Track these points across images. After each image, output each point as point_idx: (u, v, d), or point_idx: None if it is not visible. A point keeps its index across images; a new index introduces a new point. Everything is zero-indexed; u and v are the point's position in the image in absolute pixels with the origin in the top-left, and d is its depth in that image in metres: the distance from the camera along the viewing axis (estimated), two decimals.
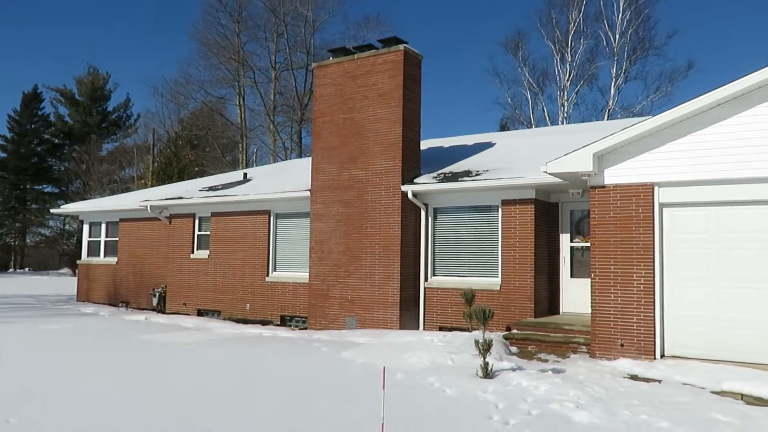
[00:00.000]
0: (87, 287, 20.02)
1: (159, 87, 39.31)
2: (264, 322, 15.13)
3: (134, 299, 18.66)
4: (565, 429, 5.62)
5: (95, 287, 19.81)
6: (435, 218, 13.35)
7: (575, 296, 12.50)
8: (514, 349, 10.34)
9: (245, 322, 15.33)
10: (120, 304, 18.73)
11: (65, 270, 48.85)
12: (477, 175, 12.70)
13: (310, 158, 14.83)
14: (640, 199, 9.82)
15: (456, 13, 68.05)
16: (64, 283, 33.04)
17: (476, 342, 7.87)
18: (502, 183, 12.03)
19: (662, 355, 9.48)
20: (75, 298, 20.86)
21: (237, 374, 7.88)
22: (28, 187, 55.89)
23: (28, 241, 56.59)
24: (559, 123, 34.77)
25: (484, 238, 12.73)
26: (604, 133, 15.03)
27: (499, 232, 12.43)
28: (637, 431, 5.57)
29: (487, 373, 7.56)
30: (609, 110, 34.58)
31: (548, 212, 12.62)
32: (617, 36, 34.14)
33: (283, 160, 37.05)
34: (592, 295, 10.11)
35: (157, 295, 17.56)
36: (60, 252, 52.76)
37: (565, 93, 34.57)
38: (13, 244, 56.27)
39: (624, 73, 34.53)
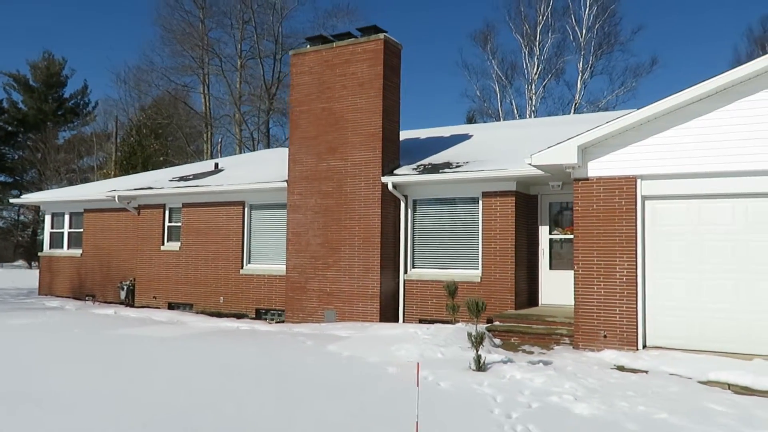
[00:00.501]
0: (50, 280, 19.32)
1: (122, 73, 38.07)
2: (239, 316, 14.84)
3: (100, 293, 18.10)
4: (568, 421, 5.61)
5: (59, 280, 19.14)
6: (414, 210, 13.27)
7: (554, 288, 12.60)
8: (497, 341, 10.34)
9: (219, 315, 15.01)
10: (87, 298, 18.13)
11: (20, 262, 47.27)
12: (458, 166, 12.65)
13: (285, 149, 14.59)
14: (623, 191, 9.92)
15: (426, 4, 67.96)
16: (21, 275, 31.94)
17: (469, 335, 7.82)
18: (483, 175, 12.01)
19: (644, 346, 9.62)
20: (36, 291, 20.12)
21: (222, 370, 7.66)
22: None
23: None
24: (527, 116, 35.09)
25: (465, 230, 12.71)
26: (578, 127, 15.21)
27: (480, 224, 12.42)
28: (639, 422, 5.59)
29: (480, 366, 7.52)
30: (575, 104, 35.08)
31: (528, 204, 12.67)
32: (584, 31, 34.60)
33: (250, 151, 36.45)
34: (575, 287, 10.19)
35: (125, 288, 17.06)
36: (14, 244, 50.91)
37: (533, 86, 34.89)
38: None
39: (590, 68, 35.06)
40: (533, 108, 34.96)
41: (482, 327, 11.20)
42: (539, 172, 11.25)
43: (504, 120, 35.49)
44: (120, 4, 74.42)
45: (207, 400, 6.16)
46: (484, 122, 34.34)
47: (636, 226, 9.77)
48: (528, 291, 12.59)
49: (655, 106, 9.53)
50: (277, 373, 7.48)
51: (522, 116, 35.41)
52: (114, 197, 16.64)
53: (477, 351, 7.60)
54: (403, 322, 12.88)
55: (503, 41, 40.27)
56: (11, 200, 20.42)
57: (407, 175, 12.73)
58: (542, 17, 34.50)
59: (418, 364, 5.66)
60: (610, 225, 9.94)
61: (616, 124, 9.74)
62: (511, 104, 36.47)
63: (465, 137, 15.55)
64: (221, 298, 15.38)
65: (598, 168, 10.09)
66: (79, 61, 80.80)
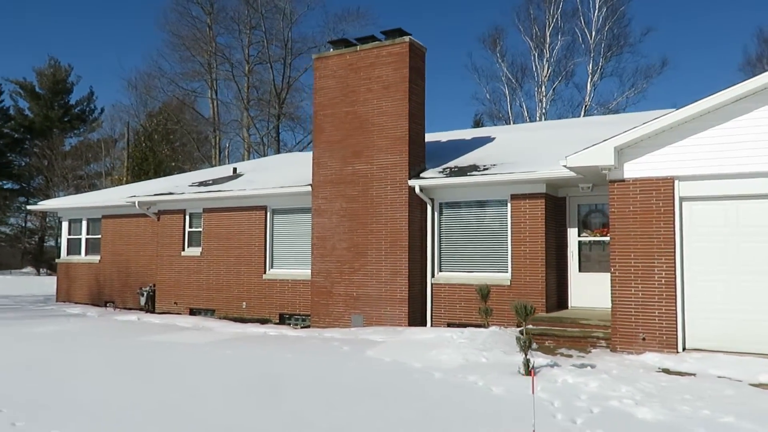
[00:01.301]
0: (67, 287, 19.24)
1: (132, 79, 37.90)
2: (262, 321, 14.74)
3: (120, 299, 18.01)
4: (634, 426, 5.51)
5: (76, 287, 19.05)
6: (441, 213, 13.18)
7: (583, 291, 12.50)
8: (533, 345, 10.22)
9: (242, 321, 14.92)
10: (107, 305, 18.05)
11: (28, 269, 47.19)
12: (485, 169, 12.57)
13: (302, 153, 14.52)
14: (660, 192, 9.83)
15: (435, 8, 67.84)
16: (32, 282, 31.90)
17: (518, 339, 7.73)
18: (513, 177, 11.92)
19: (684, 348, 9.51)
20: (53, 298, 20.05)
21: (267, 379, 7.55)
22: None
23: None
24: (537, 119, 35.02)
25: (493, 233, 12.62)
26: (598, 129, 15.17)
27: (509, 226, 12.33)
28: (706, 426, 5.49)
29: (529, 371, 7.41)
30: (585, 106, 35.01)
31: (556, 206, 12.58)
32: (593, 33, 34.55)
33: (258, 156, 36.40)
34: (612, 290, 10.09)
35: (145, 294, 16.97)
36: (22, 250, 50.86)
37: (543, 89, 34.83)
38: None
39: (600, 70, 34.99)
40: (543, 110, 34.91)
41: (513, 330, 11.14)
42: (569, 174, 11.18)
43: (514, 122, 35.44)
44: (125, 11, 74.61)
45: (270, 414, 6.01)
46: (495, 125, 34.27)
47: (674, 227, 9.68)
48: (557, 294, 12.49)
49: (693, 107, 9.45)
50: (321, 381, 7.37)
51: (532, 119, 35.36)
52: (134, 203, 16.57)
53: (526, 355, 7.50)
54: (431, 326, 12.78)
55: (512, 44, 40.22)
56: (29, 207, 20.31)
57: (434, 178, 12.64)
58: (552, 19, 34.48)
59: (533, 369, 5.52)
60: (648, 226, 9.85)
61: (653, 125, 9.66)
62: (521, 107, 36.42)
63: (487, 140, 15.47)
64: (244, 303, 15.28)
65: (634, 169, 10.01)
66: (84, 68, 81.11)
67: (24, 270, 46.87)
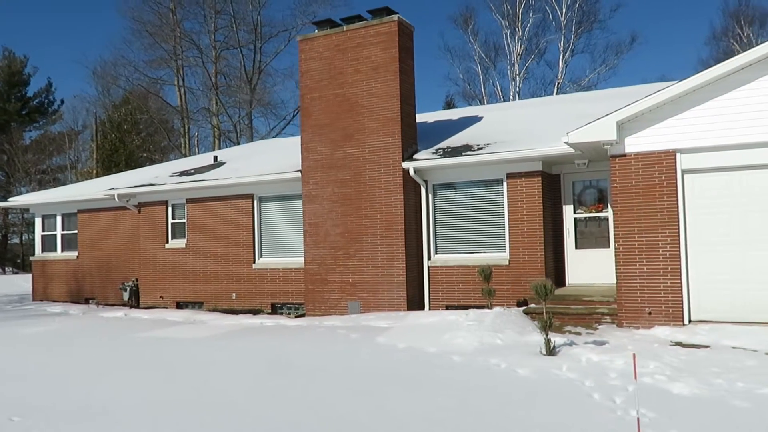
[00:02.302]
0: (44, 285, 18.55)
1: (97, 69, 36.52)
2: (254, 311, 14.42)
3: (101, 295, 17.44)
4: (676, 402, 5.45)
5: (54, 284, 18.39)
6: (435, 195, 13.00)
7: (580, 267, 12.50)
8: (537, 323, 10.16)
9: (233, 312, 14.57)
10: (88, 301, 17.46)
11: None
12: (479, 149, 12.41)
13: (283, 138, 14.15)
14: (663, 166, 9.80)
15: None
16: (1, 281, 30.77)
17: (541, 318, 7.60)
18: (509, 156, 11.78)
19: (690, 321, 9.55)
20: (29, 297, 19.35)
21: (287, 368, 7.30)
22: None
23: None
24: (511, 98, 35.04)
25: (489, 213, 12.50)
26: (585, 104, 15.15)
27: (505, 206, 12.22)
28: (747, 399, 5.45)
29: (550, 351, 7.32)
30: (558, 84, 35.13)
31: (551, 184, 12.51)
32: (564, 10, 34.59)
33: (232, 144, 35.66)
34: (616, 265, 10.07)
35: (128, 289, 16.45)
36: None
37: (516, 67, 34.81)
38: None
39: (571, 47, 35.11)
40: (517, 89, 34.94)
41: (517, 310, 11.07)
42: (565, 150, 11.10)
43: (488, 102, 35.40)
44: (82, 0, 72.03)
45: (304, 406, 5.74)
46: (470, 105, 34.17)
47: (677, 200, 9.67)
48: (555, 271, 12.46)
49: (693, 79, 9.43)
50: (344, 370, 7.14)
51: (506, 98, 35.36)
52: (113, 195, 15.98)
53: (546, 335, 7.40)
54: (429, 309, 12.64)
55: (484, 23, 40.12)
56: None
57: (429, 160, 12.43)
58: None
59: (634, 355, 5.44)
60: (651, 200, 9.82)
61: (654, 99, 9.60)
62: (494, 86, 36.37)
63: (475, 119, 15.31)
64: (233, 294, 14.93)
65: (635, 143, 9.95)
66: (41, 59, 78.14)
67: None
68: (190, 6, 37.76)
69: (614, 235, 10.14)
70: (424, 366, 7.15)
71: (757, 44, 9.36)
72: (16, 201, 19.20)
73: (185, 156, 36.68)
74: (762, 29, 36.61)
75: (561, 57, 35.01)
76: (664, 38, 57.43)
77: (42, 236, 18.80)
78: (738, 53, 9.74)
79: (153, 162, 34.19)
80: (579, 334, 9.45)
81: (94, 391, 6.55)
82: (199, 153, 38.55)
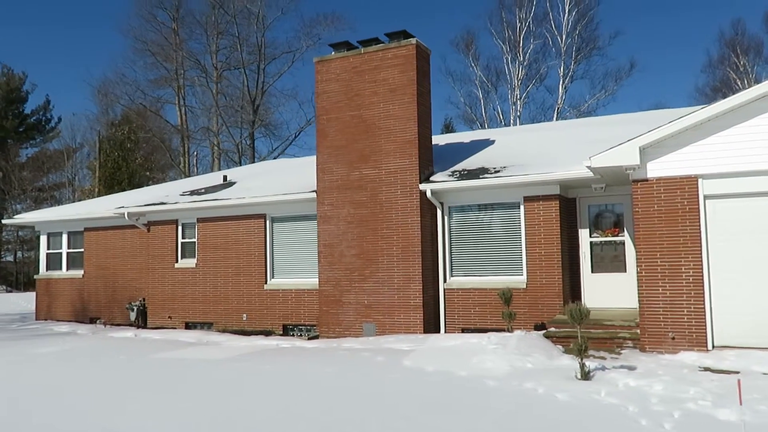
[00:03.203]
0: (48, 304, 18.33)
1: (101, 87, 36.53)
2: (266, 333, 14.28)
3: (107, 315, 17.23)
4: (725, 429, 5.41)
5: (58, 303, 18.17)
6: (451, 217, 13.01)
7: (597, 292, 12.48)
8: (560, 347, 10.13)
9: (244, 333, 14.41)
10: (93, 321, 17.24)
11: None
12: (496, 171, 12.46)
13: (295, 159, 14.15)
14: (685, 191, 9.87)
15: (407, 12, 67.61)
16: None
17: (576, 342, 7.56)
18: (527, 179, 11.83)
19: (713, 346, 9.54)
20: (31, 316, 19.10)
21: (312, 390, 7.21)
22: None
23: None
24: (511, 122, 35.33)
25: (506, 236, 12.51)
26: (596, 129, 15.28)
27: (522, 229, 12.24)
28: None
29: (585, 375, 7.28)
30: (558, 109, 35.46)
31: (567, 208, 12.55)
32: (564, 36, 35.07)
33: (234, 164, 35.63)
34: (639, 289, 10.08)
35: (135, 309, 16.26)
36: None
37: (517, 92, 35.14)
38: None
39: (571, 73, 35.53)
40: (518, 113, 35.23)
41: (538, 334, 11.03)
42: (584, 174, 11.17)
43: (489, 126, 35.65)
44: (82, 18, 72.47)
45: (327, 423, 5.68)
46: (471, 129, 34.38)
47: (700, 225, 9.72)
48: (571, 295, 12.44)
49: (716, 106, 9.55)
50: (378, 394, 7.04)
51: (507, 122, 35.64)
52: (123, 214, 15.89)
53: (581, 359, 7.36)
54: (445, 332, 12.58)
55: (485, 47, 40.70)
56: (4, 221, 19.24)
57: (446, 182, 12.46)
58: (524, 23, 34.84)
59: (738, 381, 5.36)
60: (673, 225, 9.87)
61: (678, 125, 9.69)
62: (495, 110, 36.66)
63: (488, 142, 15.39)
64: (244, 315, 14.80)
65: (657, 168, 10.02)
66: (40, 77, 78.25)
67: None
68: (192, 26, 38.06)
69: (636, 259, 10.16)
70: (458, 390, 7.08)
71: (753, 73, 9.53)
72: (22, 218, 19.05)
73: (185, 175, 36.61)
74: (758, 58, 37.23)
75: (561, 82, 35.43)
76: (661, 66, 58.40)
77: (47, 254, 18.61)
78: (734, 81, 9.89)
79: (155, 181, 34.10)
80: (603, 358, 9.39)
81: (127, 419, 6.43)
82: (198, 172, 38.52)
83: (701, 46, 64.12)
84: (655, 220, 10.00)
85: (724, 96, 37.17)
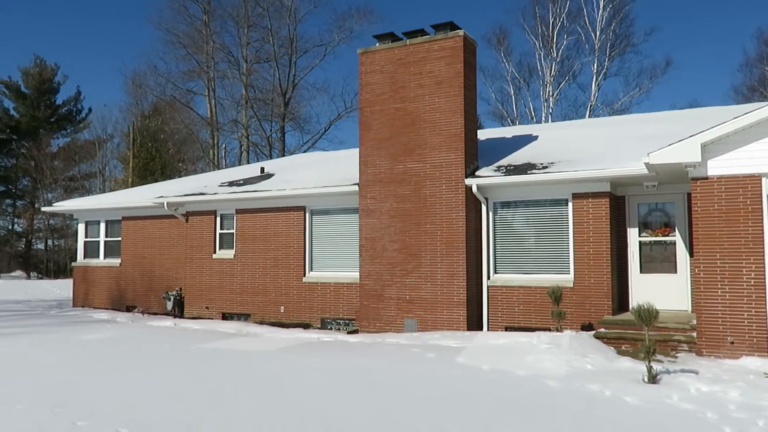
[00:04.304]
0: (85, 291, 18.46)
1: (136, 78, 36.83)
2: (304, 326, 14.19)
3: (143, 303, 17.30)
4: None
5: (95, 291, 18.29)
6: (496, 213, 12.78)
7: (645, 292, 12.13)
8: (614, 348, 9.87)
9: (282, 325, 14.34)
10: (129, 309, 17.34)
11: (18, 273, 45.82)
12: (544, 167, 12.19)
13: (334, 152, 14.00)
14: (747, 190, 9.53)
15: (439, 7, 67.10)
16: (29, 287, 30.80)
17: (644, 345, 7.33)
18: (577, 176, 11.55)
19: None
20: (67, 303, 19.28)
21: (372, 387, 7.05)
22: None
23: None
24: (543, 119, 34.88)
25: (552, 234, 12.25)
26: (640, 126, 14.93)
27: (570, 226, 11.97)
28: None
29: (652, 378, 7.04)
30: (590, 106, 34.93)
31: (616, 206, 12.26)
32: (598, 32, 34.50)
33: (265, 156, 35.66)
34: (695, 292, 9.78)
35: (172, 298, 16.29)
36: (11, 254, 49.37)
37: (550, 88, 34.67)
38: None
39: (604, 70, 34.94)
40: (550, 110, 34.75)
41: (588, 334, 10.77)
42: (637, 172, 10.91)
43: (520, 123, 35.25)
44: (113, 10, 73.20)
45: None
46: (502, 125, 34.01)
47: (762, 226, 9.38)
48: (618, 295, 12.16)
49: None
50: (441, 392, 6.83)
51: (538, 119, 35.19)
52: (163, 203, 15.90)
53: (649, 362, 7.12)
54: (488, 329, 12.37)
55: (517, 43, 40.07)
56: (44, 209, 19.42)
57: (492, 177, 12.22)
58: (558, 19, 34.33)
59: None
60: (734, 226, 9.54)
61: (742, 121, 9.35)
62: (527, 106, 36.22)
63: (530, 138, 15.11)
64: (282, 307, 14.73)
65: (718, 166, 9.70)
66: (71, 68, 79.31)
67: (13, 274, 45.49)
68: (223, 18, 38.13)
69: (692, 260, 9.86)
70: (520, 390, 6.88)
71: None
72: (61, 206, 19.19)
73: (215, 166, 36.75)
74: None
75: (594, 79, 34.89)
76: (696, 63, 57.20)
77: (85, 242, 18.73)
78: None
79: (187, 172, 34.25)
80: (660, 361, 9.11)
81: (191, 407, 6.34)
82: (226, 164, 38.64)
83: (738, 43, 62.70)
84: (715, 220, 9.68)
85: (762, 96, 36.18)
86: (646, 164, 9.96)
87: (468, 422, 5.64)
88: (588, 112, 34.94)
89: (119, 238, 17.99)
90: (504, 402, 6.37)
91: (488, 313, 12.49)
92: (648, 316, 7.46)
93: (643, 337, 10.28)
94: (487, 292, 12.55)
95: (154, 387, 7.21)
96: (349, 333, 13.07)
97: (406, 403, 6.36)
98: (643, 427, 5.45)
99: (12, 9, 73.88)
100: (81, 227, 18.82)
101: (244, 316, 15.28)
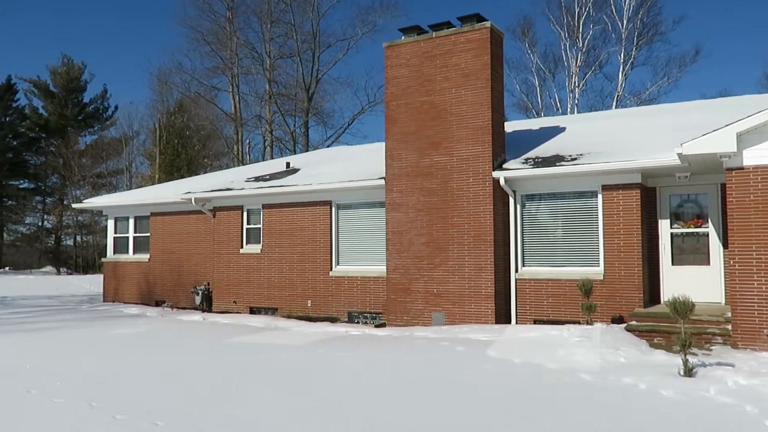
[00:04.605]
0: (115, 286, 18.76)
1: (161, 75, 37.28)
2: (331, 320, 14.25)
3: (171, 298, 17.51)
4: None
5: (125, 286, 18.57)
6: (523, 206, 12.68)
7: (677, 285, 11.93)
8: (646, 342, 9.73)
9: (309, 319, 14.42)
10: (158, 304, 17.57)
11: (48, 269, 46.71)
12: (573, 159, 12.05)
13: (358, 146, 13.94)
14: None
15: None
16: (59, 282, 31.38)
17: (679, 337, 7.22)
18: (608, 167, 11.39)
19: None
20: (97, 298, 19.61)
21: (409, 381, 7.03)
22: (3, 183, 53.13)
23: (5, 238, 53.89)
24: (569, 110, 34.47)
25: (581, 226, 12.11)
26: (670, 116, 14.67)
27: (600, 219, 11.82)
28: None
29: (688, 371, 6.92)
30: (617, 96, 34.42)
31: (647, 197, 12.07)
32: (624, 21, 33.94)
33: (289, 152, 35.83)
34: (730, 284, 9.60)
35: (200, 293, 16.47)
36: (41, 250, 50.37)
37: (575, 79, 34.24)
38: None
39: (632, 60, 34.39)
40: (575, 101, 34.33)
41: (620, 327, 10.64)
42: (668, 163, 10.73)
43: (545, 114, 34.89)
44: (138, 8, 74.03)
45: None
46: (527, 117, 33.70)
47: None
48: (650, 288, 11.98)
49: None
50: (477, 385, 6.79)
51: (563, 110, 34.79)
52: (191, 199, 16.06)
53: (685, 355, 7.01)
54: (516, 323, 12.29)
55: (542, 34, 39.61)
56: (75, 205, 19.80)
57: (520, 170, 12.11)
58: (584, 8, 33.85)
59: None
60: None
61: None
62: (551, 97, 35.83)
63: (557, 129, 14.94)
64: (309, 301, 14.79)
65: (754, 156, 9.48)
66: (96, 66, 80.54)
67: (44, 270, 46.39)
68: (247, 15, 38.30)
69: (728, 252, 9.68)
70: (555, 384, 6.81)
71: None
72: (91, 203, 19.50)
73: (239, 162, 37.03)
74: None
75: (621, 69, 34.37)
76: (726, 51, 55.96)
77: (114, 238, 19.01)
78: None
79: (212, 168, 34.57)
80: (695, 354, 8.95)
81: (229, 401, 6.40)
82: (250, 160, 38.89)
83: None
84: (751, 210, 9.48)
85: None
86: (680, 155, 9.78)
87: (506, 417, 5.61)
88: (615, 103, 34.46)
89: (148, 234, 18.22)
90: (539, 396, 6.32)
91: (516, 306, 12.40)
92: (684, 308, 7.33)
93: (677, 330, 10.14)
94: (515, 285, 12.46)
95: (189, 381, 7.29)
96: (376, 327, 13.09)
97: (441, 398, 6.34)
98: (682, 421, 5.36)
99: (40, 10, 75.22)
100: (110, 223, 19.11)
101: (272, 310, 15.39)
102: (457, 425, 5.36)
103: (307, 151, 33.70)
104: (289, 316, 14.88)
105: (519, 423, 5.45)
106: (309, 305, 14.79)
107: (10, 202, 53.18)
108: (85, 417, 5.69)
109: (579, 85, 34.32)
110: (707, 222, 11.78)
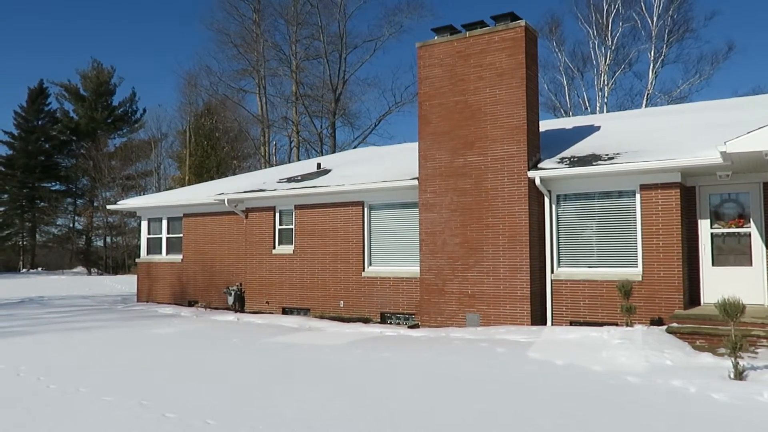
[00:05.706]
0: (149, 287, 19.01)
1: (191, 78, 37.79)
2: (364, 320, 14.25)
3: (204, 298, 17.69)
4: None
5: (158, 287, 18.81)
6: (559, 206, 12.54)
7: (717, 286, 11.72)
8: (688, 344, 9.55)
9: (342, 320, 14.45)
10: (191, 304, 17.77)
11: (80, 269, 47.55)
12: (609, 158, 11.89)
13: (389, 146, 13.92)
14: None
15: None
16: (92, 283, 31.91)
17: (729, 339, 7.08)
18: (646, 166, 11.21)
19: None
20: (131, 298, 19.88)
21: (453, 383, 6.98)
22: (36, 185, 54.27)
23: (37, 239, 55.05)
24: (597, 109, 34.07)
25: (619, 226, 11.94)
26: (707, 113, 14.41)
27: (638, 218, 11.64)
28: None
29: (739, 374, 6.78)
30: (647, 95, 33.94)
31: (687, 197, 11.86)
32: (654, 18, 33.46)
33: (316, 153, 35.98)
34: None
35: (233, 293, 16.61)
36: (72, 251, 51.31)
37: (604, 77, 33.83)
38: (22, 244, 54.69)
39: (662, 57, 33.87)
40: (605, 100, 33.92)
41: (660, 329, 10.46)
42: (709, 161, 10.53)
43: (573, 113, 34.54)
44: (164, 13, 75.03)
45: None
46: (555, 117, 33.39)
47: None
48: (690, 289, 11.77)
49: None
50: (522, 387, 6.75)
51: (592, 109, 34.41)
52: (224, 200, 16.20)
53: (735, 358, 6.86)
54: (552, 324, 12.16)
55: (570, 32, 39.17)
56: (108, 206, 20.11)
57: (556, 169, 11.99)
58: (612, 6, 33.44)
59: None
60: None
61: None
62: (579, 97, 35.45)
63: (592, 128, 14.78)
64: (341, 302, 14.82)
65: None
66: (126, 70, 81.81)
67: (75, 270, 47.24)
68: (273, 17, 38.56)
69: None
70: (602, 386, 6.71)
71: None
72: (125, 204, 19.80)
73: (267, 163, 37.30)
74: None
75: (651, 67, 33.88)
76: (759, 48, 54.79)
77: (147, 239, 19.26)
78: None
79: (241, 170, 34.88)
80: (741, 357, 8.76)
81: (274, 401, 6.43)
82: (276, 161, 39.16)
83: None
84: None
85: None
86: (722, 153, 9.59)
87: (559, 420, 5.54)
88: (645, 101, 33.99)
89: (180, 235, 18.43)
90: (588, 399, 6.23)
91: (552, 308, 12.28)
92: (734, 310, 7.18)
93: (720, 332, 9.96)
94: (551, 286, 12.33)
95: (234, 380, 7.34)
96: (410, 327, 13.06)
97: (493, 399, 6.28)
98: (739, 425, 5.24)
99: (71, 17, 76.67)
100: (144, 224, 19.36)
101: (304, 311, 15.45)
102: (513, 428, 5.31)
103: (334, 152, 33.81)
104: (321, 317, 14.92)
105: (574, 425, 5.37)
106: (341, 306, 14.82)
107: (42, 204, 54.28)
108: (137, 414, 5.75)
109: (608, 84, 33.92)
110: (749, 222, 11.54)
